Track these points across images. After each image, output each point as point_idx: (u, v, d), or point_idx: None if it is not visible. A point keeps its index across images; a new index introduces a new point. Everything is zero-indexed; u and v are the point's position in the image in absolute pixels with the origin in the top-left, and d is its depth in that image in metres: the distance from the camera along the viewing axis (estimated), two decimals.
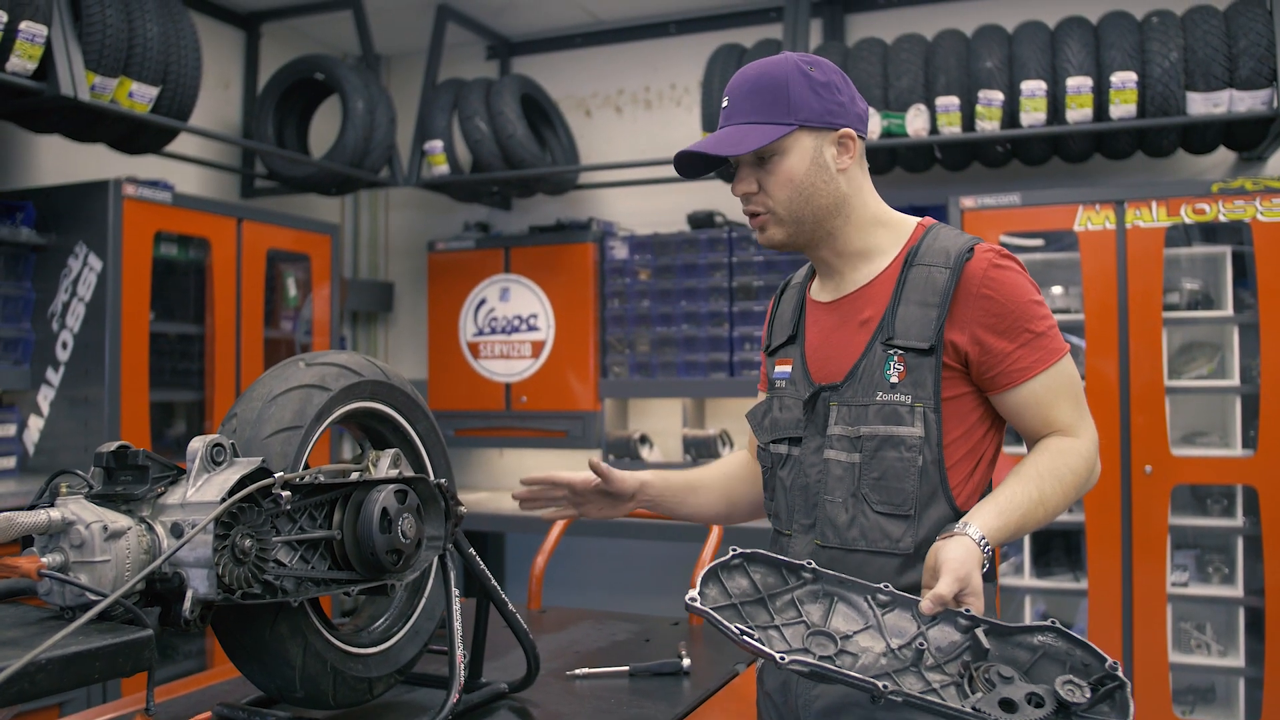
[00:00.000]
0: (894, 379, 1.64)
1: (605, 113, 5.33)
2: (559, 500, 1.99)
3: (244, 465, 1.45)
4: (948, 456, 1.64)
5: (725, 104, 1.72)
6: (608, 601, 4.77)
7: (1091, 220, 3.73)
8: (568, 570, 5.10)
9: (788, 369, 1.82)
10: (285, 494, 1.45)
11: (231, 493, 1.39)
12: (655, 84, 5.23)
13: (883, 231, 1.76)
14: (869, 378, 1.67)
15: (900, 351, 1.65)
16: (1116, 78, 3.72)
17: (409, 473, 1.74)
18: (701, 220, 4.77)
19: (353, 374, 1.71)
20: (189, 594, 1.37)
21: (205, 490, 1.41)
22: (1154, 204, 3.67)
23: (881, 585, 1.48)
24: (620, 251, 4.84)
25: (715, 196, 4.86)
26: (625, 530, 4.32)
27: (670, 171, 4.87)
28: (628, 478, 1.95)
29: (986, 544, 1.50)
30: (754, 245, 4.57)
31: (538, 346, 4.97)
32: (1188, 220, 3.66)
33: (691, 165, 1.76)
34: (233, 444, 1.48)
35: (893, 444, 1.63)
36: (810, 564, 1.51)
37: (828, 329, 1.77)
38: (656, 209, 5.11)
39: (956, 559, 1.46)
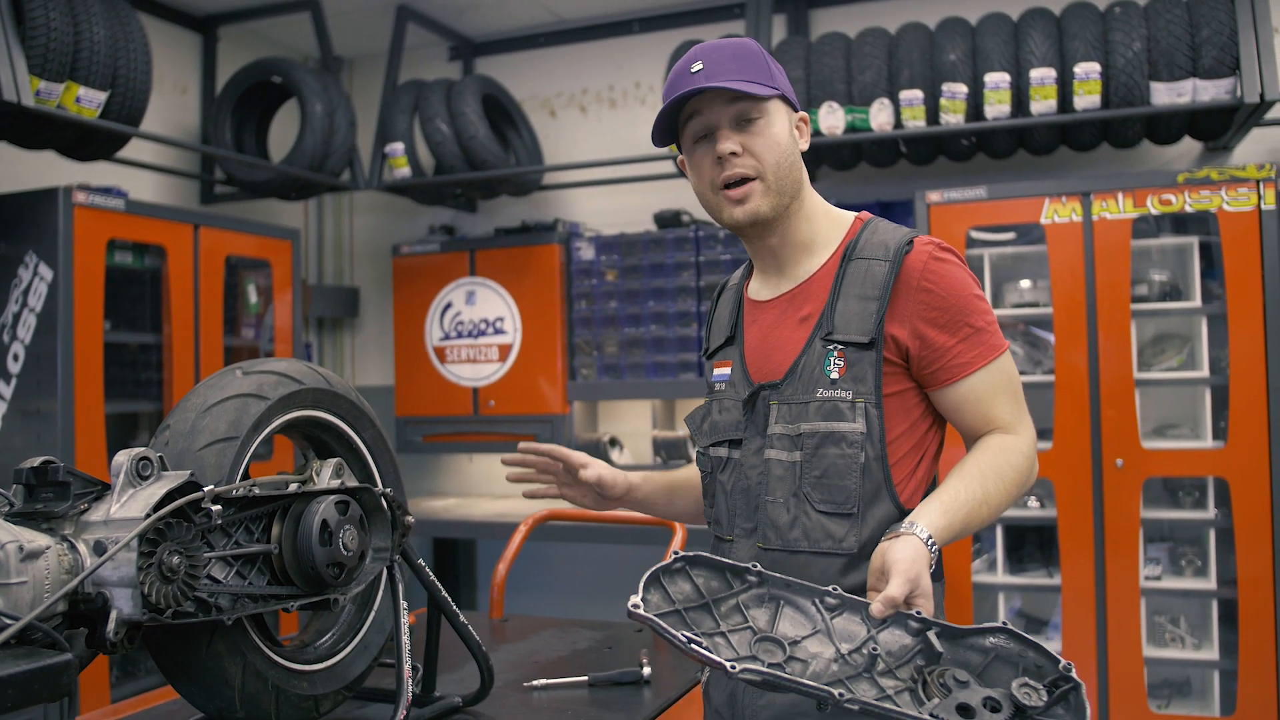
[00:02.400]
0: (834, 374, 1.60)
1: (570, 112, 5.28)
2: (550, 478, 1.94)
3: (171, 479, 1.39)
4: (891, 453, 1.60)
5: (698, 68, 1.62)
6: (576, 606, 4.72)
7: (1058, 213, 3.71)
8: (537, 575, 5.04)
9: (727, 371, 1.78)
10: (216, 508, 1.39)
11: (157, 508, 1.34)
12: (620, 83, 5.18)
13: (824, 223, 1.74)
14: (809, 374, 1.62)
15: (840, 346, 1.61)
16: (1080, 69, 3.69)
17: (352, 482, 1.69)
18: (668, 220, 4.71)
19: (292, 381, 1.65)
20: (113, 614, 1.30)
21: (130, 506, 1.35)
22: (1120, 195, 3.65)
23: (830, 588, 1.43)
24: (586, 252, 4.79)
25: (681, 196, 4.81)
26: (594, 535, 4.26)
27: (636, 171, 4.93)
28: (619, 482, 1.91)
29: (934, 544, 1.46)
30: (721, 244, 4.53)
31: (505, 350, 4.90)
32: (1154, 211, 3.64)
33: (662, 130, 1.71)
34: (160, 457, 1.42)
35: (833, 440, 1.59)
36: (755, 566, 1.45)
37: (766, 327, 1.73)
38: (622, 209, 5.06)
39: (906, 559, 1.41)
